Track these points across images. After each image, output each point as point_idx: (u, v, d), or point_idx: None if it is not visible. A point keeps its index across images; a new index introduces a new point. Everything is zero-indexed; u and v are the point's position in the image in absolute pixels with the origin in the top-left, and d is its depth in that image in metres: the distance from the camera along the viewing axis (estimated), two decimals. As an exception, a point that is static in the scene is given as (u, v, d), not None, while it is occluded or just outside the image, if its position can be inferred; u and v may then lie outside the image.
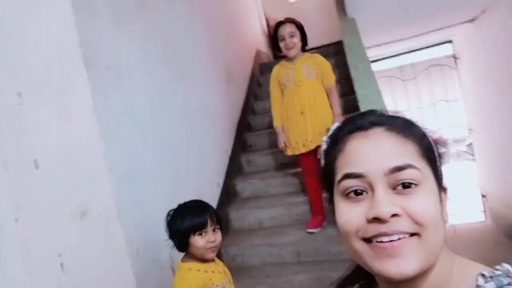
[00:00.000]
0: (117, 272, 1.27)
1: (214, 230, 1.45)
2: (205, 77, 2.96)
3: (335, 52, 4.46)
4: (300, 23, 2.55)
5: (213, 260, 1.52)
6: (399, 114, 0.59)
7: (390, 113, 0.59)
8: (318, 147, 2.43)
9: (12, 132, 1.04)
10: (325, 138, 0.63)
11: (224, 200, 2.82)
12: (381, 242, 0.49)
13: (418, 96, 5.21)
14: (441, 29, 4.47)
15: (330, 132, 0.62)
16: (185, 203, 1.51)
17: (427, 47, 5.14)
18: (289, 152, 2.60)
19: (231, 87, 3.56)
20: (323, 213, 2.55)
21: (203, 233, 1.42)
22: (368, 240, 0.51)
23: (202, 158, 2.58)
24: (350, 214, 0.53)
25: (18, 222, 1.07)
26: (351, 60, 2.83)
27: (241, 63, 4.15)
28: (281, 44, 2.51)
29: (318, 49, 5.29)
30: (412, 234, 0.49)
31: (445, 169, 0.59)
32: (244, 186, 3.09)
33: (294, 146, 2.53)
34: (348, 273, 0.69)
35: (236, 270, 2.43)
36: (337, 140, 0.58)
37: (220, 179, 2.85)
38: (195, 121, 2.60)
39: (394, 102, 5.08)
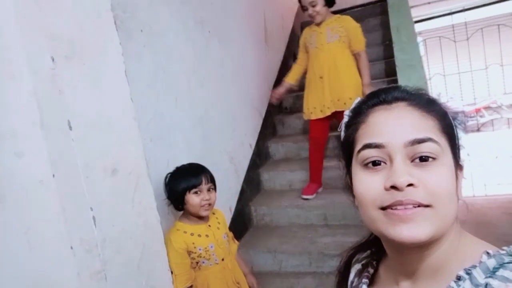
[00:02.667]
0: (146, 227, 1.37)
1: (208, 190, 1.58)
2: (242, 37, 2.93)
3: (381, 11, 4.22)
4: None
5: (207, 220, 1.64)
6: (423, 91, 0.60)
7: (414, 90, 0.60)
8: (335, 113, 2.41)
9: (46, 95, 1.11)
10: (347, 112, 0.65)
11: (257, 161, 2.88)
12: (396, 209, 0.52)
13: (470, 58, 4.86)
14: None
15: (353, 106, 0.64)
16: (181, 166, 1.65)
17: (484, 5, 4.70)
18: (305, 117, 2.59)
19: (269, 47, 3.51)
20: (320, 181, 2.62)
21: (198, 192, 1.55)
22: (384, 209, 0.54)
23: (235, 119, 2.62)
24: (368, 184, 0.55)
25: (55, 177, 1.16)
26: (393, 21, 2.68)
27: (281, 21, 4.04)
28: (305, 14, 2.48)
29: (364, 7, 5.03)
30: (426, 206, 0.51)
31: (463, 146, 0.59)
32: (276, 148, 3.12)
33: (312, 111, 2.51)
34: (362, 241, 0.74)
35: (264, 229, 2.53)
36: (360, 112, 0.61)
37: (252, 140, 2.90)
38: (229, 82, 2.61)
39: (442, 64, 4.79)
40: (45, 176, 1.15)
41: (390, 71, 2.92)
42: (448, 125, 0.57)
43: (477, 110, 7.75)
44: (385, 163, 0.54)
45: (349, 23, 2.47)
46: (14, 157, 1.09)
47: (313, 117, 2.53)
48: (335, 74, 2.42)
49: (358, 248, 0.75)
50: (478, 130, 7.46)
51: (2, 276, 0.98)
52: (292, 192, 2.73)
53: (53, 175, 1.16)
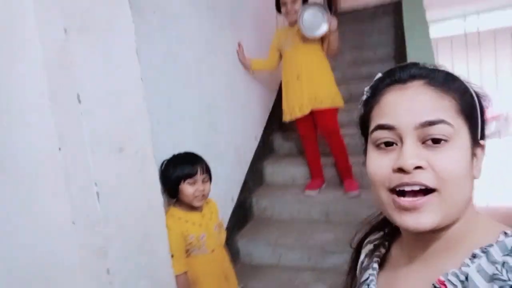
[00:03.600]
0: (148, 207, 1.36)
1: (203, 180, 1.57)
2: (254, 27, 2.92)
3: (395, 11, 4.20)
4: None
5: (201, 210, 1.62)
6: (442, 68, 0.58)
7: (432, 66, 0.58)
8: (314, 111, 2.43)
9: (57, 67, 1.10)
10: (366, 88, 0.63)
11: (261, 154, 2.87)
12: (403, 194, 0.52)
13: (481, 63, 4.83)
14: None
15: (372, 83, 0.63)
16: (178, 154, 1.63)
17: (497, 8, 4.66)
18: (286, 118, 2.60)
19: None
20: (322, 176, 2.61)
21: (193, 182, 1.54)
22: (392, 191, 0.54)
23: (242, 110, 2.61)
24: (379, 164, 0.55)
25: (61, 151, 1.15)
26: (407, 20, 2.66)
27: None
28: (283, 10, 2.47)
29: (377, 7, 5.00)
30: (432, 190, 0.51)
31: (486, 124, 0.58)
32: (281, 143, 3.11)
33: (291, 112, 2.52)
34: (376, 222, 0.73)
35: (265, 221, 2.52)
36: (376, 91, 0.60)
37: (258, 132, 2.89)
38: (238, 73, 2.60)
39: (452, 68, 4.75)
40: (51, 149, 1.14)
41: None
42: (467, 104, 0.54)
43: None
44: (396, 144, 0.54)
45: None
46: (21, 127, 1.08)
47: (294, 117, 2.55)
48: (311, 73, 2.45)
49: (372, 229, 0.74)
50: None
51: (4, 248, 0.98)
52: (294, 187, 2.72)
53: (59, 148, 1.15)
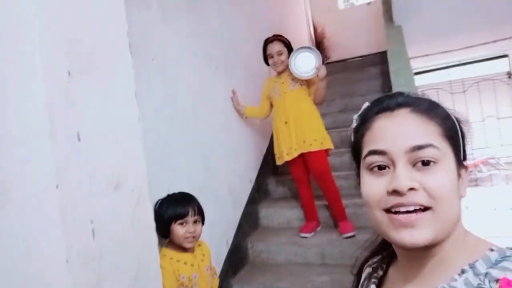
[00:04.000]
0: (143, 246, 1.35)
1: (195, 222, 1.58)
2: (248, 74, 3.05)
3: (381, 61, 4.41)
4: (287, 40, 2.66)
5: (193, 251, 1.62)
6: (425, 96, 0.64)
7: (417, 95, 0.64)
8: (304, 154, 2.52)
9: (59, 106, 1.15)
10: (355, 116, 0.69)
11: (256, 197, 2.88)
12: (399, 213, 0.56)
13: (467, 111, 5.00)
14: (495, 41, 4.28)
15: (361, 111, 0.68)
16: (173, 194, 1.65)
17: (480, 60, 4.92)
18: (278, 162, 2.69)
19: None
20: (317, 218, 2.64)
21: (184, 223, 1.54)
22: (387, 211, 0.57)
23: (237, 153, 2.66)
24: (373, 187, 0.59)
25: (58, 188, 1.17)
26: (393, 66, 2.80)
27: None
28: (270, 61, 2.65)
29: (365, 58, 5.24)
30: (426, 208, 0.54)
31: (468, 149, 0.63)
32: (275, 186, 3.13)
33: (282, 155, 2.61)
34: (374, 246, 0.77)
35: (261, 265, 2.48)
36: (366, 119, 0.64)
37: (253, 176, 2.91)
38: (233, 118, 2.68)
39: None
40: (48, 185, 1.16)
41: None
42: (450, 128, 0.59)
43: (476, 165, 7.81)
44: (389, 167, 0.58)
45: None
46: (20, 163, 1.11)
47: (283, 161, 2.64)
48: (299, 118, 2.56)
49: (371, 254, 0.77)
50: (476, 185, 7.47)
51: (1, 282, 0.97)
52: (290, 229, 2.70)
53: (57, 186, 1.17)
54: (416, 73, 5.45)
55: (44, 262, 1.12)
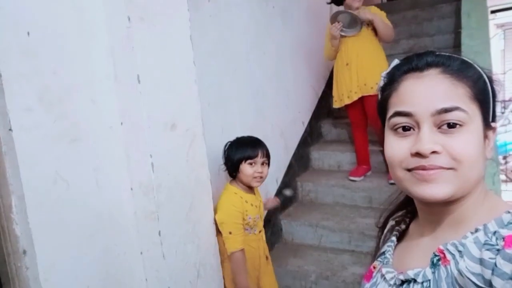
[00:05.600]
0: (196, 181, 1.49)
1: (262, 164, 1.68)
2: (305, 16, 2.95)
3: (457, -4, 3.98)
4: None
5: (254, 193, 1.73)
6: (457, 56, 0.62)
7: (448, 54, 0.61)
8: (364, 98, 2.44)
9: (121, 51, 1.25)
10: (383, 74, 0.68)
11: (308, 139, 2.92)
12: (421, 171, 0.56)
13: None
14: None
15: (388, 70, 0.67)
16: (242, 137, 1.75)
17: None
18: (336, 105, 2.64)
19: (332, 28, 3.47)
20: (368, 163, 2.64)
21: (253, 163, 1.64)
22: (409, 169, 0.58)
23: (290, 96, 2.67)
24: (397, 147, 0.60)
25: (123, 125, 1.32)
26: (465, 6, 2.55)
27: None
28: None
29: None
30: (449, 168, 0.55)
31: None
32: (329, 129, 3.14)
33: (341, 98, 2.57)
34: (398, 202, 0.79)
35: (308, 204, 2.60)
36: (393, 78, 0.63)
37: (306, 118, 2.94)
38: (288, 59, 2.66)
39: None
40: (114, 123, 1.31)
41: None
42: (480, 90, 0.58)
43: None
44: (413, 129, 0.58)
45: (376, 11, 2.51)
46: (89, 104, 1.25)
47: (342, 104, 2.59)
48: (361, 60, 2.46)
49: (395, 209, 0.80)
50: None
51: (72, 204, 1.15)
52: (340, 172, 2.75)
53: (121, 123, 1.31)
54: (497, 11, 4.87)
55: (112, 190, 1.30)
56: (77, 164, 1.18)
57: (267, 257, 1.79)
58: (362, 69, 2.46)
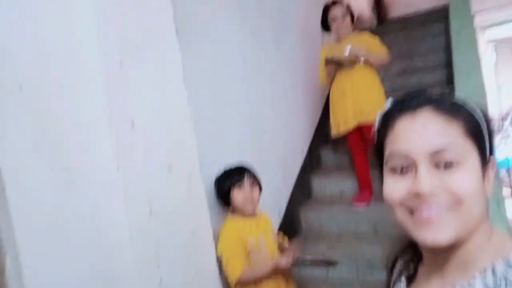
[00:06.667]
0: (196, 221, 1.46)
1: (251, 186, 1.69)
2: (298, 45, 2.99)
3: (446, 15, 4.05)
4: (348, 3, 2.54)
5: (254, 216, 1.73)
6: (448, 94, 0.63)
7: (439, 93, 0.62)
8: (362, 125, 2.41)
9: (114, 96, 1.25)
10: (378, 115, 0.68)
11: (308, 168, 2.90)
12: (421, 213, 0.56)
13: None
14: None
15: (382, 111, 0.67)
16: (229, 166, 1.77)
17: None
18: (334, 133, 2.64)
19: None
20: (370, 188, 2.59)
21: (241, 187, 1.66)
22: (409, 210, 0.58)
23: (287, 125, 2.67)
24: (395, 187, 0.59)
25: (119, 170, 1.29)
26: (454, 25, 2.59)
27: (338, 30, 4.03)
28: (333, 26, 2.52)
29: (428, 13, 4.85)
30: (451, 207, 0.54)
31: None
32: (329, 156, 3.12)
33: (338, 126, 2.57)
34: (405, 243, 0.76)
35: (313, 235, 2.55)
36: (388, 119, 0.64)
37: (304, 146, 2.93)
38: (284, 88, 2.68)
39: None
40: (111, 168, 1.29)
41: (451, 78, 2.81)
42: (474, 127, 0.57)
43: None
44: (411, 169, 0.57)
45: (368, 38, 2.54)
46: (85, 149, 1.23)
47: (340, 132, 2.58)
48: (357, 88, 2.45)
49: (403, 249, 0.77)
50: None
51: (70, 253, 1.11)
52: (342, 200, 2.70)
53: (118, 168, 1.29)
54: (487, 26, 4.96)
55: (110, 237, 1.26)
56: (74, 213, 1.16)
57: (288, 282, 1.74)
58: (357, 97, 2.46)
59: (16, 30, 1.21)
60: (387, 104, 0.66)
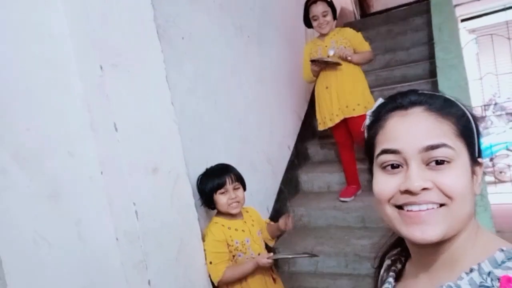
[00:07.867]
0: (184, 223, 1.46)
1: (235, 189, 1.65)
2: (281, 42, 2.99)
3: (428, 9, 4.10)
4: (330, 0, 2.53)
5: (242, 217, 1.72)
6: (439, 94, 0.63)
7: (431, 93, 0.63)
8: (347, 119, 2.41)
9: (95, 100, 1.23)
10: (369, 112, 0.69)
11: (295, 162, 2.92)
12: (410, 211, 0.57)
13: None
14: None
15: (373, 108, 0.68)
16: (210, 167, 1.73)
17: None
18: (320, 128, 2.65)
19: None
20: (357, 182, 2.63)
21: (224, 192, 1.63)
22: (398, 207, 0.58)
23: (273, 121, 2.68)
24: (385, 184, 0.60)
25: (103, 174, 1.28)
26: (435, 20, 2.62)
27: (321, 24, 4.04)
28: (314, 24, 2.54)
29: (410, 6, 4.90)
30: (441, 205, 0.56)
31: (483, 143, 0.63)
32: (316, 150, 3.14)
33: (324, 121, 2.58)
34: (393, 240, 0.78)
35: (302, 229, 2.57)
36: (379, 116, 0.64)
37: (291, 142, 2.94)
38: (268, 86, 2.68)
39: (495, 63, 4.55)
40: (94, 173, 1.27)
41: (434, 71, 2.84)
42: (464, 126, 0.58)
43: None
44: (402, 166, 0.58)
45: (351, 33, 2.55)
46: (67, 156, 1.22)
47: (325, 127, 2.60)
48: (341, 83, 2.48)
49: (390, 246, 0.79)
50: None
51: (55, 263, 1.10)
52: (330, 194, 2.74)
53: (101, 173, 1.28)
54: (470, 18, 5.03)
55: (96, 242, 1.25)
56: (57, 220, 1.14)
57: (274, 280, 1.75)
58: (342, 91, 2.48)
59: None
60: (378, 102, 0.66)
